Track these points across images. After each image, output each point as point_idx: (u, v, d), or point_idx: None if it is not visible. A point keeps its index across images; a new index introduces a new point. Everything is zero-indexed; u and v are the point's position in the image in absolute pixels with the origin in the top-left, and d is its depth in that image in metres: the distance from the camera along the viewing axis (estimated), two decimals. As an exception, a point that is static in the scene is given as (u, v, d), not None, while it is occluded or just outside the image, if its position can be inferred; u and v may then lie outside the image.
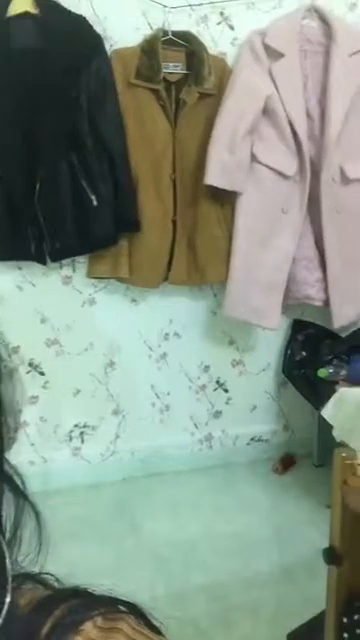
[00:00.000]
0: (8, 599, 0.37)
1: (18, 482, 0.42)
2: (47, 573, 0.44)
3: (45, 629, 0.37)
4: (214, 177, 2.18)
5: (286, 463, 2.71)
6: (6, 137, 2.05)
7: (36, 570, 0.43)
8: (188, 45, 2.24)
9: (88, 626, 0.38)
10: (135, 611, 0.42)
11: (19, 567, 0.42)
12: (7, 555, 0.39)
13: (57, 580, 0.43)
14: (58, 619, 0.38)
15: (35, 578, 0.43)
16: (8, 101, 2.02)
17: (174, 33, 2.22)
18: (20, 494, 0.42)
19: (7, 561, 0.39)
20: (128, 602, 0.42)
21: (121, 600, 0.42)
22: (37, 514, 0.43)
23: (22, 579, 0.42)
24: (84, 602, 0.40)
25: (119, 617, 0.40)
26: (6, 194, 2.09)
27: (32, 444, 2.48)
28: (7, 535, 0.41)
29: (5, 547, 0.39)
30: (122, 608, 0.41)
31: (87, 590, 0.42)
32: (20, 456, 0.43)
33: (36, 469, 2.46)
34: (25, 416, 2.44)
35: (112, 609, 0.40)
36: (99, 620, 0.39)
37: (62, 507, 2.31)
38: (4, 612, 0.36)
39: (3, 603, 0.37)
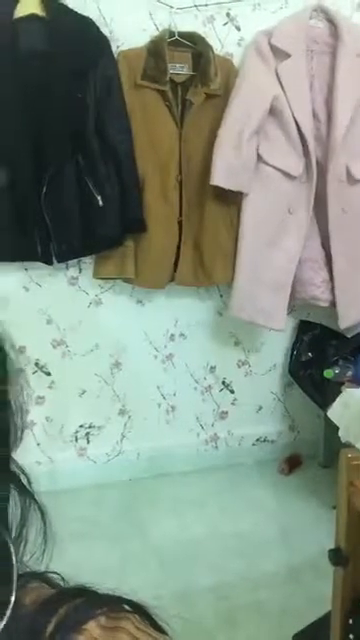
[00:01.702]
0: (13, 598, 0.37)
1: (24, 482, 0.43)
2: (53, 572, 0.44)
3: (49, 628, 0.38)
4: (220, 178, 2.18)
5: (292, 464, 2.71)
6: (13, 139, 2.05)
7: (42, 569, 0.44)
8: (194, 46, 2.24)
9: (91, 625, 0.38)
10: (140, 610, 0.42)
11: (25, 566, 0.42)
12: (13, 554, 0.39)
13: (63, 579, 0.44)
14: (62, 618, 0.38)
15: (41, 577, 0.43)
16: (15, 103, 2.03)
17: (180, 34, 2.22)
18: (26, 493, 0.43)
19: (13, 560, 0.39)
20: (133, 601, 0.42)
21: (126, 599, 0.42)
22: (43, 514, 0.43)
23: (28, 578, 0.42)
24: (88, 601, 0.40)
25: (123, 616, 0.40)
26: (13, 195, 2.09)
27: (38, 444, 2.49)
28: (13, 534, 0.41)
29: (11, 546, 0.40)
30: (127, 607, 0.41)
31: (92, 589, 0.42)
32: (26, 456, 0.44)
33: (42, 469, 2.46)
34: (31, 416, 2.44)
35: (116, 608, 0.40)
36: (102, 619, 0.39)
37: (68, 507, 2.32)
38: (9, 611, 0.37)
39: (8, 602, 0.37)
